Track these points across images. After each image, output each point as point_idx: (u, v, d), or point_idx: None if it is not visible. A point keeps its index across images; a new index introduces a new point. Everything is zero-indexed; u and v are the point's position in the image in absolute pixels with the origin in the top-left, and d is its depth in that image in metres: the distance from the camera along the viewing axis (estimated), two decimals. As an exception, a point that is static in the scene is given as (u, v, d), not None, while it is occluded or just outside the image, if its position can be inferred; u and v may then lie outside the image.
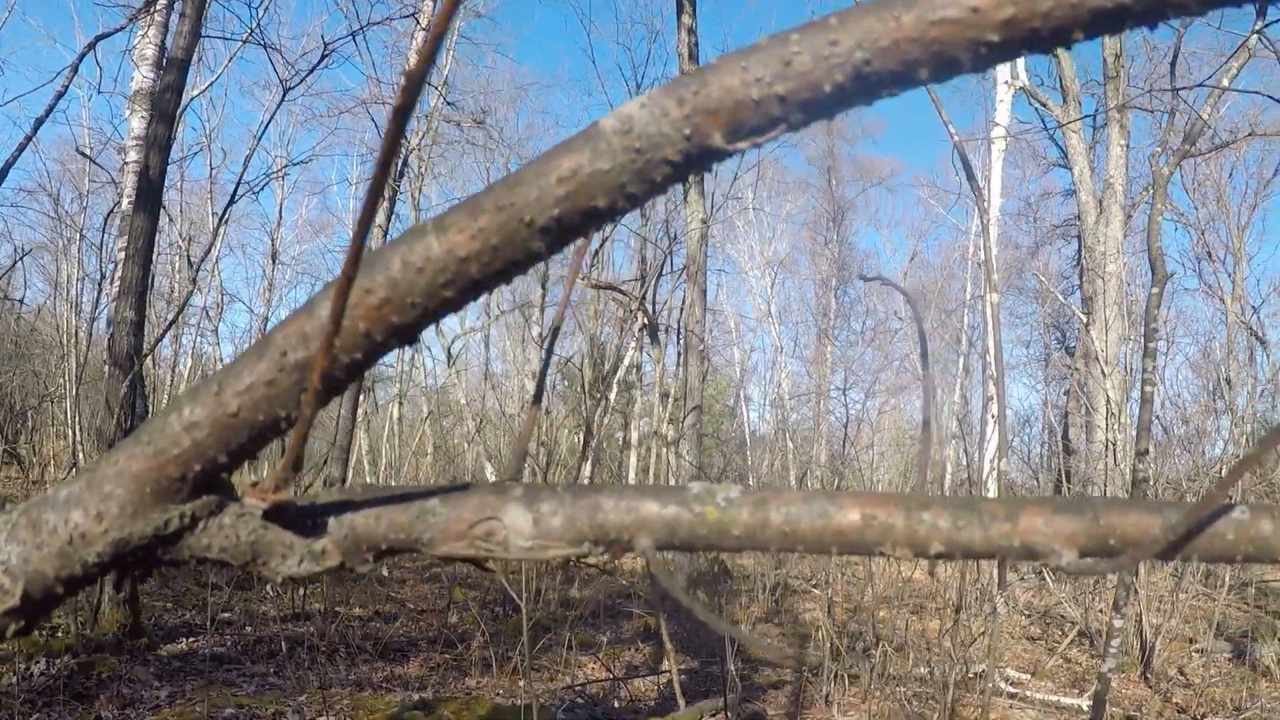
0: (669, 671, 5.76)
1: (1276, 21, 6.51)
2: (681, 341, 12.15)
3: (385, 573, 10.29)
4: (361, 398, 15.06)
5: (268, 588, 8.79)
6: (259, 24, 11.02)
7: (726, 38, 33.37)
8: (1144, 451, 6.14)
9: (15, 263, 13.70)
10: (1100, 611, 9.49)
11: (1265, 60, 9.82)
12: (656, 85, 0.61)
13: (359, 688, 5.93)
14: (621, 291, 16.99)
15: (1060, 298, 18.69)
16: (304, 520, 0.68)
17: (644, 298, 16.54)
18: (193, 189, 20.49)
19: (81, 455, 10.61)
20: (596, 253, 21.70)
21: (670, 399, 16.23)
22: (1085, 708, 6.30)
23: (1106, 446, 12.25)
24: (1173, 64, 8.42)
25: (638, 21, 53.54)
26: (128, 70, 8.31)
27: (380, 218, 12.09)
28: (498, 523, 0.63)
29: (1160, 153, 7.79)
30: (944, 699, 6.17)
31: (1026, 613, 10.79)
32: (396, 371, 24.75)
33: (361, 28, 11.61)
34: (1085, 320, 14.40)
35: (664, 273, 17.80)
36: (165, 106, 7.25)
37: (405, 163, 14.81)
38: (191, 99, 15.54)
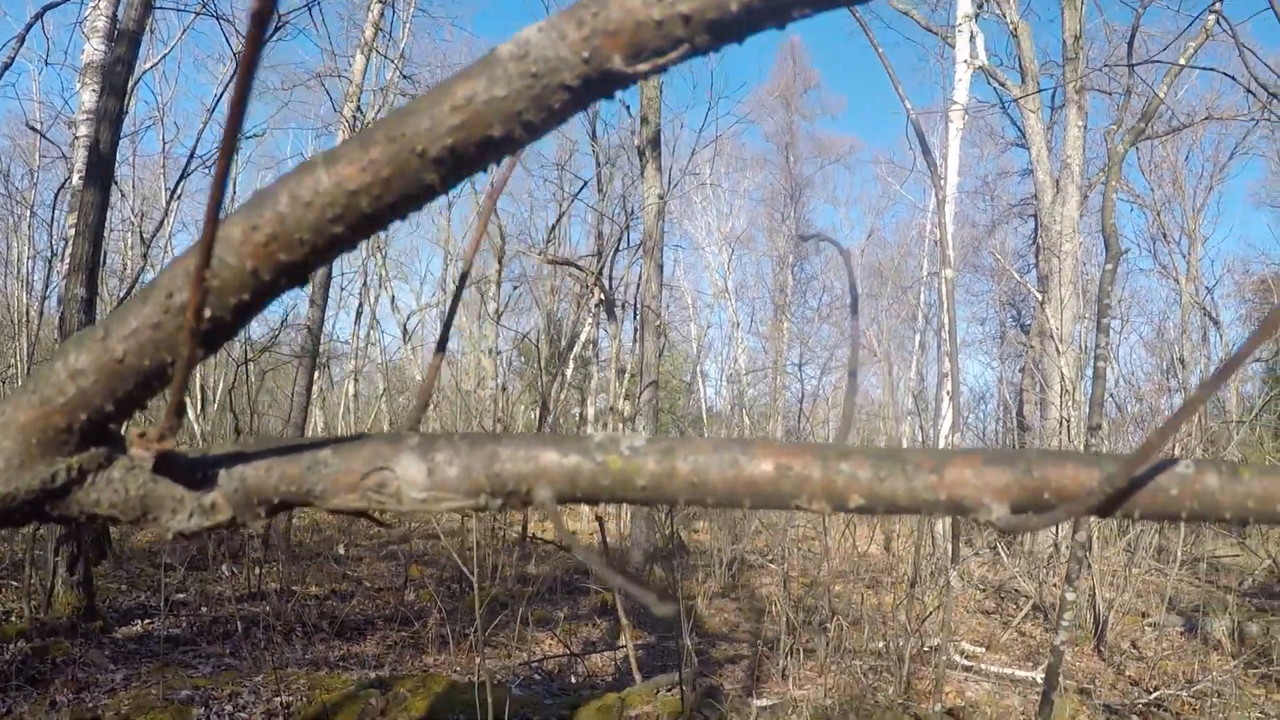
0: (625, 647, 5.77)
1: None
2: (638, 317, 12.12)
3: (341, 550, 10.21)
4: (316, 374, 14.87)
5: (223, 567, 8.68)
6: (211, -6, 10.80)
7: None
8: (1096, 426, 6.22)
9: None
10: (1054, 586, 9.65)
11: (1223, 44, 9.93)
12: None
13: (315, 667, 5.88)
14: (578, 267, 16.92)
15: (1016, 276, 18.90)
16: (194, 473, 0.65)
17: (600, 273, 16.50)
18: (145, 164, 20.05)
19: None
20: (553, 228, 21.60)
21: (626, 375, 16.23)
22: (1039, 680, 6.41)
23: (1061, 423, 12.43)
24: (1130, 42, 8.48)
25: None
26: (79, 43, 8.08)
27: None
28: (390, 473, 0.60)
29: (1116, 130, 7.85)
30: (899, 672, 6.24)
31: (981, 587, 10.95)
32: (352, 348, 24.53)
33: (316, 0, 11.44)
34: (1041, 298, 14.57)
35: (621, 248, 17.74)
36: (117, 80, 7.13)
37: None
38: (144, 72, 15.22)
